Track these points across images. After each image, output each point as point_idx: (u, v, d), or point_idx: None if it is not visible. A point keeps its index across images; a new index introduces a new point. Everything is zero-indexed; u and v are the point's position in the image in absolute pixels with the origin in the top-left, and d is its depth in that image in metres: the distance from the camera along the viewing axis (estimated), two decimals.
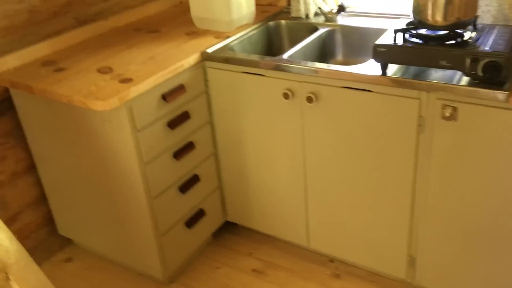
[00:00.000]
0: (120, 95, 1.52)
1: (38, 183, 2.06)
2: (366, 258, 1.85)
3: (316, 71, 1.59)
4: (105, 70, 1.71)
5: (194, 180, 1.91)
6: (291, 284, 1.94)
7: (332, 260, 2.03)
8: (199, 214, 1.99)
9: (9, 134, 1.93)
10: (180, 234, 1.92)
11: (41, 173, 2.02)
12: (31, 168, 2.03)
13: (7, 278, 1.05)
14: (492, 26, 1.54)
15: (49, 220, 2.15)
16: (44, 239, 2.14)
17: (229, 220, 2.18)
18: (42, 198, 2.10)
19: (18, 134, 1.96)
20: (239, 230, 2.24)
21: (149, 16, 2.30)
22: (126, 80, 1.61)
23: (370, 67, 1.54)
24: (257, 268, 2.04)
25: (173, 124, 1.74)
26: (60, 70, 1.76)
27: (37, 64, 1.83)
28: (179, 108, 1.77)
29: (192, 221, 1.96)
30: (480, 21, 1.68)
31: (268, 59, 1.71)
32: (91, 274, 2.07)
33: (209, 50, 1.82)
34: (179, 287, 1.97)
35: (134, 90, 1.56)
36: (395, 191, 1.64)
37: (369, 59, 1.57)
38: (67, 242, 2.22)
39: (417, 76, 1.46)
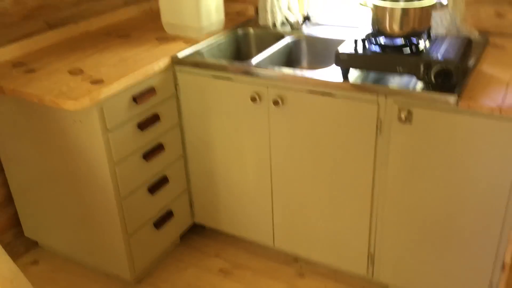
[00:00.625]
0: (91, 95, 1.56)
1: (5, 184, 2.06)
2: (329, 256, 1.93)
3: (282, 75, 1.68)
4: (76, 72, 1.74)
5: (163, 181, 1.95)
6: (258, 284, 2.00)
7: (296, 259, 2.10)
8: (168, 215, 2.03)
9: None
10: (148, 235, 1.95)
11: (8, 174, 2.02)
12: None
13: None
14: (444, 37, 1.66)
15: (15, 222, 2.14)
16: (9, 241, 2.13)
17: (196, 222, 2.23)
18: (8, 200, 2.09)
19: None
20: (206, 231, 2.29)
21: (119, 22, 2.34)
22: (97, 81, 1.65)
23: (333, 73, 1.63)
24: (224, 269, 2.09)
25: (143, 125, 1.78)
26: (31, 71, 1.78)
27: (8, 66, 1.84)
28: (149, 110, 1.82)
29: (161, 222, 1.99)
30: (434, 32, 1.81)
31: (237, 64, 1.78)
32: (57, 276, 2.07)
33: (179, 55, 1.88)
34: (147, 287, 2.00)
35: (105, 91, 1.60)
36: (355, 191, 1.73)
37: (331, 65, 1.66)
38: (33, 244, 2.21)
39: (376, 81, 1.56)
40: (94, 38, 2.12)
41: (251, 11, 2.31)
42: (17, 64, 1.86)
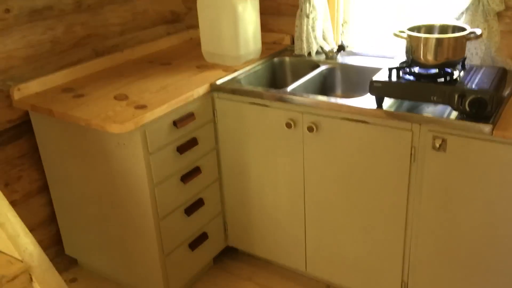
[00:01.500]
0: (135, 120, 1.64)
1: (50, 203, 2.16)
2: (361, 284, 1.93)
3: (317, 102, 1.73)
4: (121, 97, 1.84)
5: (199, 203, 2.01)
6: None
7: (328, 286, 2.11)
8: (202, 237, 2.08)
9: (25, 156, 2.04)
10: (184, 256, 2.00)
11: (53, 193, 2.12)
12: (44, 189, 2.13)
13: (31, 280, 1.13)
14: (479, 67, 1.68)
15: (57, 241, 2.23)
16: (51, 258, 2.19)
17: (230, 245, 2.27)
18: (52, 219, 2.19)
19: (33, 156, 2.07)
20: (239, 255, 2.32)
21: (161, 50, 2.46)
22: (141, 107, 1.73)
23: (367, 101, 1.67)
24: None
25: (182, 149, 1.86)
26: (79, 96, 1.89)
27: (57, 91, 1.96)
28: (188, 134, 1.89)
29: (196, 243, 2.04)
30: (469, 62, 1.83)
31: (273, 91, 1.84)
32: None
33: (218, 82, 1.96)
34: None
35: (149, 116, 1.69)
36: (389, 218, 1.74)
37: (366, 94, 1.70)
38: (72, 262, 2.29)
39: (410, 110, 1.59)
40: (138, 65, 2.23)
41: (287, 41, 2.39)
42: (66, 89, 1.97)
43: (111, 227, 1.98)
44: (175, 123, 1.81)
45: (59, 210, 2.14)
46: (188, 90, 1.87)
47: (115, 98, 1.84)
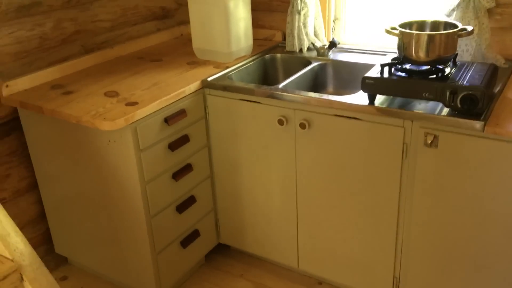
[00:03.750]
0: (126, 117, 1.63)
1: (39, 201, 2.13)
2: (353, 280, 1.93)
3: (309, 99, 1.72)
4: (111, 94, 1.82)
5: (190, 201, 2.00)
6: None
7: (320, 282, 2.11)
8: (194, 235, 2.07)
9: (14, 153, 2.02)
10: (175, 254, 1.99)
11: (42, 191, 2.09)
12: (33, 186, 2.10)
13: (21, 279, 1.12)
14: (470, 63, 1.68)
15: (46, 239, 2.21)
16: (41, 257, 2.17)
17: (222, 242, 2.26)
18: (41, 217, 2.16)
19: (22, 153, 2.04)
20: (231, 252, 2.31)
21: (152, 46, 2.44)
22: (132, 104, 1.72)
23: (359, 98, 1.67)
24: None
25: (174, 146, 1.84)
26: (68, 93, 1.87)
27: (46, 87, 1.94)
28: (180, 132, 1.88)
29: (187, 241, 2.03)
30: (460, 59, 1.83)
31: (264, 88, 1.83)
32: None
33: (209, 79, 1.94)
34: None
35: (140, 113, 1.67)
36: (381, 214, 1.75)
37: (358, 91, 1.70)
38: (63, 260, 2.27)
39: (402, 106, 1.59)
40: (128, 62, 2.21)
41: (278, 37, 2.38)
42: (55, 86, 1.95)
43: (102, 225, 1.97)
44: (166, 120, 1.79)
45: (49, 208, 2.12)
46: (179, 87, 1.86)
47: (106, 95, 1.82)
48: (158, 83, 1.91)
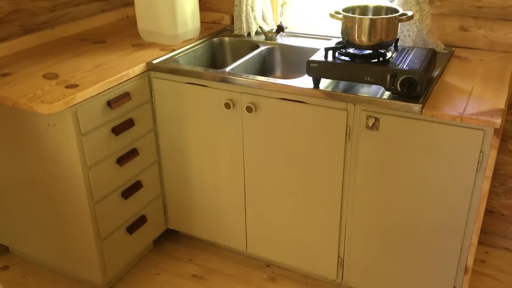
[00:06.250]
0: (66, 100, 1.57)
1: None
2: (300, 261, 1.97)
3: (255, 83, 1.72)
4: (51, 76, 1.75)
5: (136, 186, 1.96)
6: None
7: (268, 264, 2.13)
8: (141, 221, 2.04)
9: None
10: (121, 240, 1.96)
11: None
12: None
13: None
14: (411, 48, 1.72)
15: None
16: None
17: (170, 227, 2.24)
18: None
19: None
20: (179, 237, 2.30)
21: (95, 28, 2.36)
22: (72, 86, 1.66)
23: (305, 81, 1.68)
24: (197, 274, 2.10)
25: (118, 130, 1.80)
26: (5, 75, 1.78)
27: None
28: (124, 115, 1.83)
29: (134, 227, 2.00)
30: (402, 44, 1.88)
31: (211, 71, 1.81)
32: (28, 282, 2.05)
33: (155, 61, 1.90)
34: None
35: (80, 96, 1.62)
36: (325, 196, 1.78)
37: (304, 75, 1.71)
38: (3, 250, 2.19)
39: (346, 90, 1.61)
40: (70, 43, 2.13)
41: (226, 20, 2.36)
42: None
43: (44, 212, 1.90)
44: (109, 104, 1.74)
45: None
46: (123, 69, 1.81)
47: (44, 77, 1.75)
48: (101, 65, 1.86)
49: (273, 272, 2.10)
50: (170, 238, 2.29)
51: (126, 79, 1.80)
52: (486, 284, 2.02)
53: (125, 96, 1.81)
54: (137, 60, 1.90)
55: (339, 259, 1.87)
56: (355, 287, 1.92)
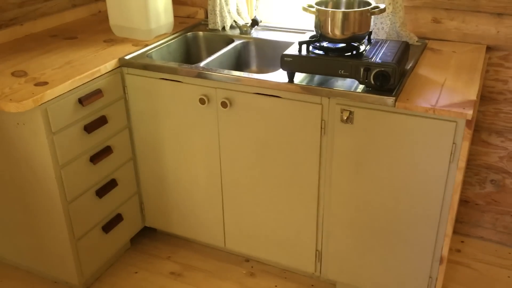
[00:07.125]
0: (35, 98, 1.53)
1: None
2: (278, 255, 1.97)
3: (230, 78, 1.70)
4: (19, 74, 1.71)
5: (111, 184, 1.93)
6: (209, 285, 2.01)
7: (247, 259, 2.13)
8: (117, 219, 2.01)
9: None
10: (97, 239, 1.93)
11: None
12: None
13: None
14: (384, 41, 1.73)
15: None
16: None
17: (147, 225, 2.22)
18: None
19: None
20: (157, 235, 2.28)
21: (66, 23, 2.30)
22: (42, 84, 1.62)
23: (279, 76, 1.67)
24: (175, 271, 2.09)
25: (90, 128, 1.76)
26: None
27: None
28: (96, 113, 1.80)
29: (109, 226, 1.97)
30: (376, 37, 1.88)
31: (185, 66, 1.79)
32: (2, 284, 2.01)
33: (127, 57, 1.87)
34: None
35: (50, 93, 1.58)
36: (302, 190, 1.78)
37: (279, 69, 1.70)
38: None
39: (321, 84, 1.61)
40: (39, 40, 2.08)
41: (201, 15, 2.33)
42: None
43: (17, 213, 1.86)
44: (80, 101, 1.71)
45: None
46: (94, 65, 1.77)
47: (13, 74, 1.71)
48: (72, 61, 1.82)
49: (252, 267, 2.09)
50: (147, 236, 2.27)
51: (97, 76, 1.76)
52: (462, 273, 2.05)
53: (97, 93, 1.77)
54: (109, 56, 1.87)
55: (317, 252, 1.87)
56: (333, 280, 1.93)
